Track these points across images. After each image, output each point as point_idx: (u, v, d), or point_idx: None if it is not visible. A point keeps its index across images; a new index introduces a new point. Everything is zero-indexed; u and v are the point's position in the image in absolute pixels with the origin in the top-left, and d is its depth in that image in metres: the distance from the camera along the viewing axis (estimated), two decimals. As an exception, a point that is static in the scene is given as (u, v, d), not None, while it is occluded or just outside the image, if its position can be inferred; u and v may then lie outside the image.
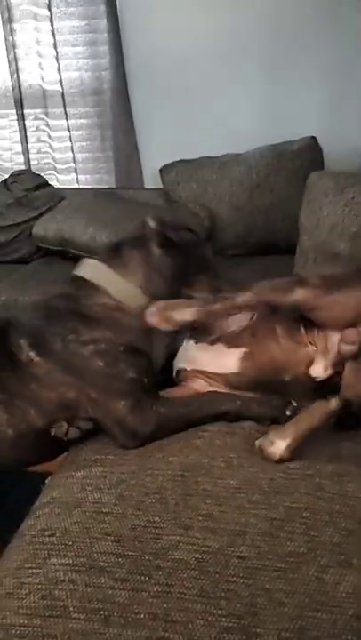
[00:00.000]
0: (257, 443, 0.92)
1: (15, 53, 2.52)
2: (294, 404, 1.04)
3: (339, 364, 1.00)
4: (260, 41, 2.43)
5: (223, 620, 0.65)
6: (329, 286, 1.02)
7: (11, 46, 2.51)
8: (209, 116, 2.55)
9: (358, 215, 1.37)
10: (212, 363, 1.13)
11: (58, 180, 2.72)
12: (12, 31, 2.49)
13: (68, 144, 2.65)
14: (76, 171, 2.70)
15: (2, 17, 2.47)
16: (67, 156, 2.68)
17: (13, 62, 2.53)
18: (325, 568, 0.72)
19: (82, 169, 2.70)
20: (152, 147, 2.63)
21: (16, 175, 2.47)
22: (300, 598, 0.68)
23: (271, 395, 1.09)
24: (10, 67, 2.54)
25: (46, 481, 0.94)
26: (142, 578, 0.70)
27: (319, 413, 0.91)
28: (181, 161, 2.46)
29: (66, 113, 2.59)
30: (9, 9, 2.46)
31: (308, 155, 2.37)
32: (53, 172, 2.72)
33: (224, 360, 1.12)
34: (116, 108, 2.54)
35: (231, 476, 0.88)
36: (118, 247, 1.11)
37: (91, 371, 0.98)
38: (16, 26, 2.49)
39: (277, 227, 2.35)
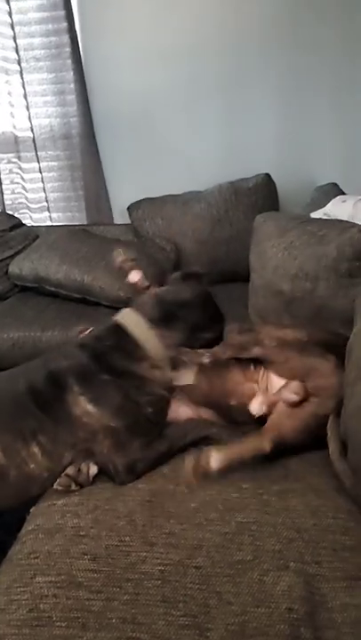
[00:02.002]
0: (188, 463, 1.04)
1: (-13, 103, 2.67)
2: None
3: (273, 406, 1.18)
4: (216, 86, 2.63)
5: (181, 619, 0.79)
6: (282, 346, 1.20)
7: (-18, 97, 2.66)
8: (171, 157, 2.74)
9: (297, 258, 1.52)
10: (178, 376, 1.29)
11: (32, 219, 2.86)
12: (-17, 83, 2.64)
13: (41, 185, 2.80)
14: (48, 209, 2.84)
15: (-26, 71, 2.62)
16: (39, 195, 2.82)
17: (-15, 111, 2.68)
18: (267, 572, 0.86)
19: (54, 207, 2.84)
20: (120, 185, 2.79)
21: (-9, 217, 2.61)
22: (244, 598, 0.82)
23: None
24: (-18, 115, 2.69)
25: (31, 510, 1.06)
26: (114, 589, 0.84)
27: (252, 450, 1.06)
28: (147, 199, 2.63)
29: (37, 156, 2.74)
30: (-20, 64, 2.62)
31: (263, 190, 2.56)
32: (27, 210, 2.86)
33: (185, 373, 1.29)
34: (85, 151, 2.70)
35: (192, 499, 1.02)
36: (169, 311, 1.20)
37: (136, 414, 1.10)
38: (-13, 79, 2.64)
39: (238, 257, 2.51)
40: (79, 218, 2.85)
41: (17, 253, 2.49)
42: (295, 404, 1.15)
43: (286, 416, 1.16)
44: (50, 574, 0.87)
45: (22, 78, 2.63)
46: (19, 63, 2.60)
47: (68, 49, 2.57)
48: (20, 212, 2.85)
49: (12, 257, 2.48)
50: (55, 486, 1.05)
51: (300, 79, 2.60)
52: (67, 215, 2.86)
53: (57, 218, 2.86)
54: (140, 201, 2.64)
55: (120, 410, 1.09)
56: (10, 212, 2.82)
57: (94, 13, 2.57)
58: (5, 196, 2.82)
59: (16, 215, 2.80)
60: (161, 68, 2.62)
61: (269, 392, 1.22)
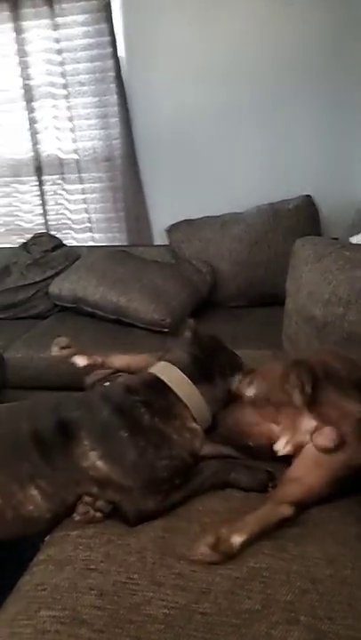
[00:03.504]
0: (209, 539, 0.95)
1: (35, 128, 2.78)
2: (277, 482, 1.16)
3: (300, 447, 1.13)
4: (256, 107, 2.64)
5: (181, 669, 0.77)
6: (319, 384, 1.14)
7: (31, 122, 2.77)
8: (211, 179, 2.75)
9: (331, 283, 1.48)
10: None
11: (74, 239, 2.94)
12: (32, 109, 2.75)
13: (83, 206, 2.88)
14: (90, 230, 2.91)
15: (24, 97, 2.74)
16: (82, 216, 2.90)
17: (34, 135, 2.79)
18: (275, 624, 0.83)
19: (96, 228, 2.91)
20: (160, 207, 2.83)
21: (35, 237, 2.70)
22: (249, 652, 0.79)
23: (252, 462, 1.23)
24: (31, 139, 2.79)
25: (45, 539, 1.06)
26: (116, 630, 0.82)
27: (274, 518, 0.99)
28: (185, 220, 2.65)
29: (81, 178, 2.82)
30: (29, 90, 2.73)
31: (304, 212, 2.52)
32: (70, 231, 2.94)
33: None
34: (126, 172, 2.76)
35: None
36: (206, 367, 1.14)
37: (151, 477, 1.05)
38: (35, 104, 2.75)
39: (276, 280, 2.47)
40: (120, 238, 2.90)
41: (58, 273, 2.56)
42: (327, 451, 1.10)
43: (314, 463, 1.11)
44: (55, 609, 0.87)
45: (68, 102, 2.72)
46: (65, 88, 2.70)
47: (111, 73, 2.65)
48: (63, 232, 2.93)
49: (52, 277, 2.55)
50: (74, 517, 1.05)
51: (343, 99, 2.56)
52: (108, 236, 2.91)
53: (98, 238, 2.92)
54: (179, 223, 2.66)
55: (133, 470, 1.05)
56: (53, 233, 2.91)
57: (138, 39, 2.64)
58: (49, 217, 2.91)
59: (59, 235, 2.89)
60: (201, 90, 2.65)
61: (298, 431, 1.18)
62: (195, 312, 2.40)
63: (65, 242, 2.88)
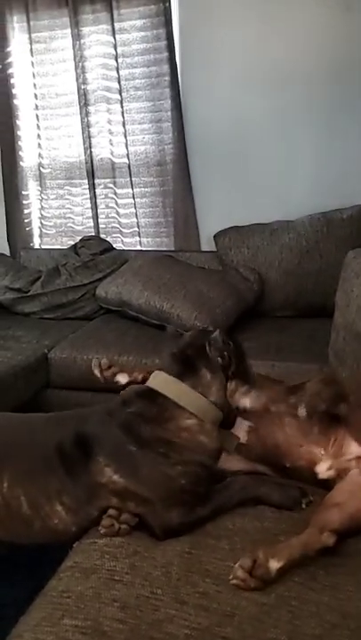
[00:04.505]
0: (245, 562, 0.91)
1: (89, 132, 2.83)
2: (311, 498, 1.13)
3: (343, 473, 1.09)
4: (312, 112, 2.57)
5: None
6: None
7: (85, 126, 2.82)
8: (262, 185, 2.70)
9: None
10: (226, 436, 1.24)
11: (123, 243, 2.96)
12: (87, 113, 2.80)
13: (133, 210, 2.89)
14: (139, 234, 2.92)
15: (79, 102, 2.79)
16: (131, 220, 2.92)
17: (87, 139, 2.83)
18: (301, 658, 0.79)
19: (144, 232, 2.92)
20: (209, 212, 2.80)
21: (85, 240, 2.75)
22: None
23: (285, 480, 1.19)
24: (84, 143, 2.84)
25: (74, 545, 1.06)
26: (136, 647, 0.81)
27: (315, 546, 0.94)
28: (234, 227, 2.61)
29: (132, 182, 2.84)
30: (85, 95, 2.78)
31: (358, 222, 2.43)
32: (119, 235, 2.96)
33: (237, 429, 1.23)
34: (177, 178, 2.76)
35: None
36: (188, 361, 1.13)
37: (169, 487, 1.03)
38: (91, 108, 2.80)
39: (326, 291, 2.40)
40: (167, 243, 2.90)
41: (105, 276, 2.59)
42: None
43: (359, 490, 1.06)
44: (78, 617, 0.87)
45: (122, 107, 2.75)
46: (120, 93, 2.73)
47: (167, 78, 2.65)
48: (113, 235, 2.96)
49: (100, 280, 2.59)
50: (100, 529, 1.05)
51: None
52: (156, 240, 2.92)
53: (146, 243, 2.93)
54: (227, 229, 2.62)
55: (150, 482, 1.04)
56: (103, 236, 2.95)
57: (194, 43, 2.63)
58: (100, 220, 2.95)
59: (109, 239, 2.92)
60: (256, 96, 2.61)
61: (343, 456, 1.13)
62: (239, 320, 2.37)
63: (114, 245, 2.92)
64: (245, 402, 1.11)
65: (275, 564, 0.92)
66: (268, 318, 2.48)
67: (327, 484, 1.14)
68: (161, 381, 1.12)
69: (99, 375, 1.30)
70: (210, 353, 1.13)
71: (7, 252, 3.07)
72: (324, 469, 1.13)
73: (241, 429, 1.24)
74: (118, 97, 2.74)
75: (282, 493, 1.12)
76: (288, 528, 1.06)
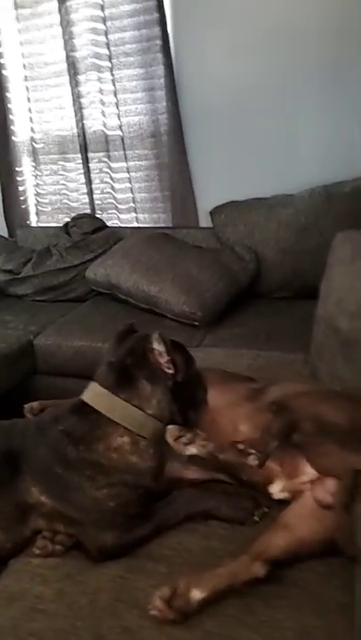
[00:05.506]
0: (164, 591, 0.85)
1: (80, 103, 2.69)
2: (265, 510, 1.06)
3: (298, 494, 1.00)
4: (315, 80, 2.35)
5: None
6: (322, 435, 1.01)
7: (76, 97, 2.68)
8: (263, 157, 2.52)
9: (357, 291, 1.29)
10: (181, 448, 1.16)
11: (119, 219, 2.85)
12: (77, 83, 2.66)
13: (128, 185, 2.77)
14: (135, 210, 2.81)
15: (68, 71, 2.65)
16: (127, 196, 2.80)
17: (79, 111, 2.70)
18: None
19: (140, 208, 2.80)
20: (208, 187, 2.65)
21: (76, 219, 2.65)
22: None
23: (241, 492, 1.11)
24: (76, 115, 2.71)
25: (9, 562, 1.03)
26: None
27: (243, 577, 0.87)
28: (231, 202, 2.47)
29: (126, 156, 2.71)
30: (74, 63, 2.63)
31: (362, 196, 2.25)
32: (115, 211, 2.86)
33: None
34: (172, 150, 2.61)
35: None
36: (126, 371, 1.05)
37: (98, 510, 0.98)
38: (81, 78, 2.65)
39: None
40: (165, 219, 2.77)
41: (97, 257, 2.51)
42: (327, 507, 0.97)
43: (310, 514, 0.98)
44: (-9, 651, 0.83)
45: (113, 75, 2.59)
46: (110, 59, 2.57)
47: (158, 42, 2.47)
48: (109, 212, 2.86)
49: (92, 260, 2.50)
50: (34, 550, 1.00)
51: None
52: (153, 216, 2.80)
53: (143, 219, 2.81)
54: (224, 204, 2.48)
55: (80, 506, 0.98)
56: (99, 213, 2.85)
57: (187, 3, 2.42)
58: (95, 196, 2.84)
59: (105, 215, 2.82)
60: (255, 59, 2.41)
61: (297, 478, 1.05)
62: (232, 303, 2.25)
63: (110, 222, 2.82)
64: (191, 450, 1.03)
65: (197, 595, 0.85)
66: (264, 300, 2.35)
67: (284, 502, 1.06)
68: (94, 395, 1.04)
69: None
70: (151, 361, 1.05)
71: (5, 231, 3.02)
72: (277, 490, 1.05)
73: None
74: (109, 64, 2.58)
75: (232, 506, 1.05)
76: (236, 549, 0.99)
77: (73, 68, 2.64)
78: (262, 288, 2.39)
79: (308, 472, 1.03)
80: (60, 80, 2.70)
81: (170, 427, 1.03)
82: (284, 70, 2.40)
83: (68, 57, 2.62)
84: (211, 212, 2.50)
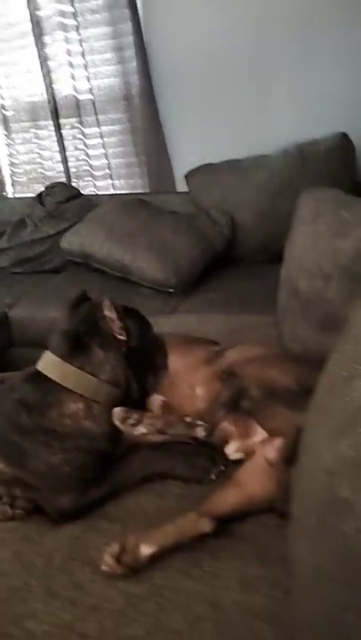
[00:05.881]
0: (113, 548, 0.88)
1: (48, 66, 2.61)
2: (222, 468, 1.08)
3: (251, 454, 1.03)
4: (288, 37, 2.29)
5: None
6: (270, 399, 1.02)
7: (44, 60, 2.60)
8: (238, 117, 2.48)
9: (317, 250, 1.28)
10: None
11: (96, 187, 2.82)
12: (43, 45, 2.58)
13: (103, 151, 2.72)
14: (111, 177, 2.77)
15: (33, 32, 2.56)
16: (102, 162, 2.76)
17: (47, 75, 2.63)
18: (152, 657, 0.77)
19: (116, 174, 2.76)
20: (182, 150, 2.61)
21: (50, 188, 2.62)
22: None
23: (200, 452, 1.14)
24: (45, 79, 2.64)
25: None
26: (-8, 643, 0.81)
27: (190, 533, 0.90)
28: (206, 165, 2.43)
29: (98, 120, 2.65)
30: (39, 22, 2.54)
31: (338, 154, 2.22)
32: (91, 178, 2.82)
33: (151, 405, 1.18)
34: (145, 112, 2.55)
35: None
36: (78, 339, 1.06)
37: (54, 475, 1.01)
38: (47, 38, 2.57)
39: (301, 232, 2.25)
40: (142, 185, 2.74)
41: (72, 226, 2.48)
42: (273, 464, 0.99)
43: (261, 472, 1.01)
44: None
45: (79, 34, 2.51)
46: (75, 17, 2.48)
47: (124, -4, 2.38)
48: (85, 179, 2.82)
49: (66, 230, 2.48)
50: None
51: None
52: (129, 182, 2.77)
53: (119, 185, 2.78)
54: (199, 167, 2.44)
55: (37, 472, 1.00)
56: (75, 181, 2.81)
57: None
58: (70, 164, 2.80)
59: (81, 183, 2.79)
60: (227, 18, 2.33)
61: (249, 438, 1.07)
62: (207, 269, 2.25)
63: (87, 190, 2.78)
64: (140, 430, 1.05)
65: (145, 551, 0.88)
66: (240, 264, 2.35)
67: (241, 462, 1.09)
68: (47, 363, 1.06)
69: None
70: (103, 328, 1.06)
71: (-18, 203, 2.98)
72: (232, 451, 1.07)
73: (154, 404, 1.19)
74: (74, 22, 2.50)
75: (189, 466, 1.07)
76: (190, 507, 1.01)
77: (38, 28, 2.55)
78: (238, 253, 2.38)
79: (260, 432, 1.06)
80: (26, 42, 2.61)
81: (115, 409, 1.04)
82: (257, 27, 2.33)
83: (32, 16, 2.53)
84: (186, 176, 2.47)
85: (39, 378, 1.05)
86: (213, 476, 1.08)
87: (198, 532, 0.91)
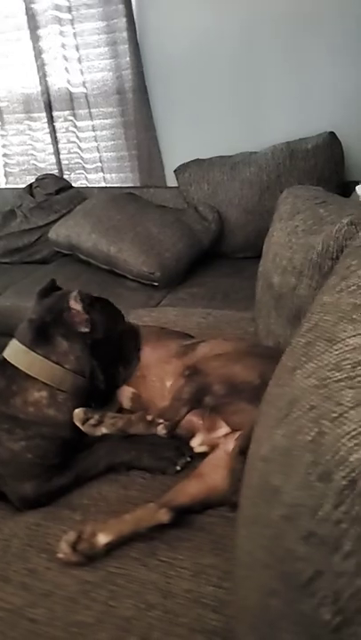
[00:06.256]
0: (70, 535, 0.89)
1: (42, 59, 2.61)
2: (187, 459, 1.09)
3: (214, 447, 1.04)
4: (280, 33, 2.28)
5: None
6: (233, 395, 1.03)
7: (38, 52, 2.60)
8: (229, 114, 2.47)
9: (292, 247, 1.28)
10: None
11: (87, 180, 2.82)
12: (38, 38, 2.57)
13: (95, 144, 2.72)
14: (102, 170, 2.77)
15: (28, 25, 2.56)
16: (94, 155, 2.75)
17: (42, 68, 2.62)
18: (99, 643, 0.77)
19: (108, 168, 2.76)
20: (173, 145, 2.61)
21: (40, 180, 2.62)
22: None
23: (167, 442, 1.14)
24: (39, 71, 2.64)
25: None
26: None
27: (148, 523, 0.90)
28: (195, 160, 2.43)
29: (91, 114, 2.65)
30: (34, 15, 2.54)
31: (325, 152, 2.21)
32: (83, 171, 2.81)
33: (121, 396, 1.18)
34: (137, 106, 2.55)
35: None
36: (44, 328, 1.07)
37: (16, 462, 1.02)
38: (42, 32, 2.56)
39: (289, 230, 2.25)
40: (133, 179, 2.74)
41: (61, 218, 2.48)
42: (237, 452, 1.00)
43: (224, 464, 1.02)
44: None
45: (74, 28, 2.50)
46: (70, 11, 2.47)
47: (119, -10, 2.38)
48: (77, 172, 2.82)
49: (55, 221, 2.48)
50: None
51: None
52: (120, 176, 2.76)
53: (110, 179, 2.77)
54: (188, 163, 2.44)
55: None
56: (66, 173, 2.81)
57: None
58: (62, 156, 2.80)
59: (72, 176, 2.79)
60: (219, 14, 2.33)
61: (214, 432, 1.08)
62: (193, 264, 2.25)
63: (78, 183, 2.78)
64: (102, 431, 1.05)
65: (102, 539, 0.89)
66: (226, 260, 2.35)
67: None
68: (12, 351, 1.06)
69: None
70: (66, 319, 1.06)
71: (-27, 193, 2.98)
72: (197, 444, 1.08)
73: (125, 396, 1.20)
74: (69, 16, 2.49)
75: (154, 456, 1.08)
76: (152, 497, 1.02)
77: (33, 21, 2.54)
78: (226, 248, 2.38)
79: (225, 427, 1.06)
80: (21, 34, 2.61)
81: (76, 410, 1.05)
82: (249, 25, 2.32)
83: (27, 9, 2.53)
84: (175, 171, 2.47)
85: (5, 366, 1.05)
86: (178, 467, 1.08)
87: (156, 522, 0.91)
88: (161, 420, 1.01)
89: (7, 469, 1.01)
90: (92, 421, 1.05)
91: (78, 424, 1.05)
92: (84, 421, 1.05)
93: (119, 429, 1.06)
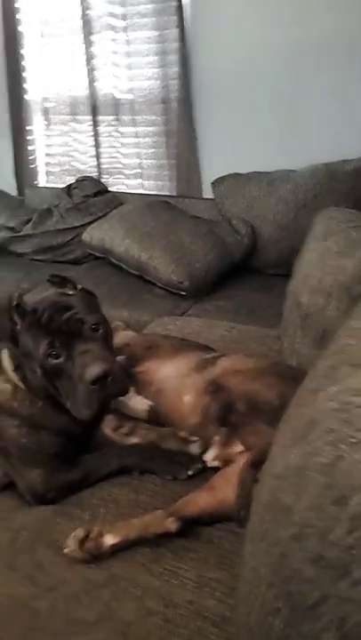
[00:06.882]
0: (78, 532, 0.90)
1: (92, 64, 2.67)
2: (199, 466, 1.09)
3: (228, 462, 1.04)
4: (330, 55, 2.28)
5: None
6: (253, 414, 1.04)
7: (89, 57, 2.66)
8: (272, 129, 2.47)
9: (323, 268, 1.28)
10: (129, 409, 1.20)
11: (125, 185, 2.86)
12: (90, 43, 2.64)
13: (136, 150, 2.76)
14: (141, 176, 2.81)
15: (83, 30, 2.62)
16: (134, 161, 2.80)
17: (91, 72, 2.69)
18: (97, 643, 0.78)
19: (146, 175, 2.80)
20: (213, 157, 2.62)
21: (79, 181, 2.67)
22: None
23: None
24: (88, 76, 2.70)
25: None
26: None
27: (155, 530, 0.91)
28: (232, 174, 2.44)
29: (134, 120, 2.70)
30: (89, 21, 2.60)
31: (363, 176, 2.20)
32: (121, 176, 2.86)
33: (137, 408, 1.19)
34: (181, 117, 2.58)
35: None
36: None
37: (16, 447, 1.07)
38: (94, 38, 2.63)
39: (321, 250, 2.24)
40: (170, 188, 2.76)
41: (96, 220, 2.52)
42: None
43: (235, 479, 1.01)
44: None
45: (127, 35, 2.56)
46: (124, 19, 2.53)
47: (173, 3, 2.42)
48: (115, 176, 2.86)
49: (90, 223, 2.52)
50: None
51: None
52: (158, 184, 2.79)
53: (148, 186, 2.81)
54: (226, 176, 2.46)
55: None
56: (105, 177, 2.86)
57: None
58: (102, 160, 2.85)
59: (111, 180, 2.83)
60: (270, 29, 2.33)
61: (230, 449, 1.08)
62: (223, 276, 2.26)
63: (116, 187, 2.83)
64: (132, 441, 1.07)
65: (109, 540, 0.90)
66: (257, 275, 2.35)
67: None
68: None
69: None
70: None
71: (14, 189, 3.06)
72: (210, 458, 1.08)
73: (141, 409, 1.20)
74: (123, 23, 2.55)
75: (166, 461, 1.08)
76: (162, 504, 1.02)
77: (87, 27, 2.61)
78: (257, 263, 2.38)
79: (240, 445, 1.06)
80: (75, 39, 2.68)
81: (108, 416, 1.07)
82: (298, 43, 2.32)
83: (83, 15, 2.60)
84: (212, 183, 2.49)
85: None
86: (191, 472, 1.08)
87: (163, 530, 0.92)
88: (194, 438, 1.02)
89: (12, 453, 1.05)
90: (123, 430, 1.07)
91: (107, 430, 1.07)
92: (116, 429, 1.08)
93: (150, 442, 1.07)
